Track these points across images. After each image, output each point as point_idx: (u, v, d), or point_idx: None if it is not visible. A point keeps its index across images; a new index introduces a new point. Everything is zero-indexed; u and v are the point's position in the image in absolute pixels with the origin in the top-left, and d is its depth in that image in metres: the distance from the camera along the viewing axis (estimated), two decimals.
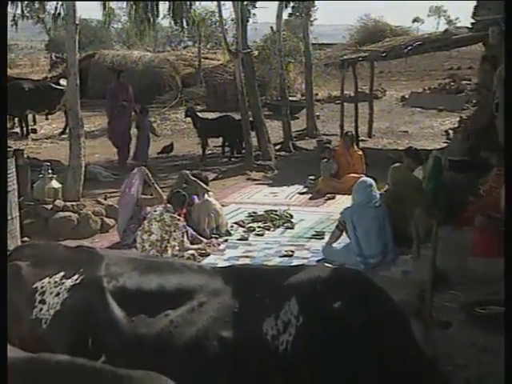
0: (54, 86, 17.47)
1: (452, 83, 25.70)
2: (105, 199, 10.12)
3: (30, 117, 18.22)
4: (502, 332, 5.67)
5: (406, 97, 25.40)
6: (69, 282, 3.42)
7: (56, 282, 3.44)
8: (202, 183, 9.47)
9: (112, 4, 15.69)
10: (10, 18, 15.93)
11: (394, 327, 3.26)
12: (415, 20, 72.05)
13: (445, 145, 14.43)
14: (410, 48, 15.51)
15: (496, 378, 4.87)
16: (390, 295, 3.50)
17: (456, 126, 15.76)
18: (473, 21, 11.64)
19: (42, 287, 3.43)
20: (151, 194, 8.95)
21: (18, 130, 17.66)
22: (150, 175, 9.00)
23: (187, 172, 9.77)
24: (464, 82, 25.67)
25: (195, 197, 9.33)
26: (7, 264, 3.37)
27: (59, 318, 3.32)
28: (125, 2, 16.43)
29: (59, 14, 14.15)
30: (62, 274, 3.47)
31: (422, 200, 8.48)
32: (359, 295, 3.31)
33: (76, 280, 3.42)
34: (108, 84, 14.43)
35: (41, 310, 3.37)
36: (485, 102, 12.90)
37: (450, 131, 15.28)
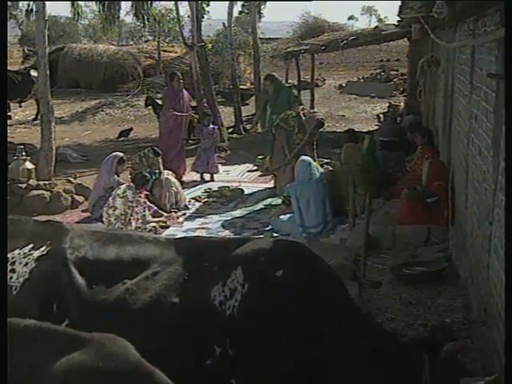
0: (31, 73, 16.78)
1: (382, 73, 25.88)
2: (74, 178, 9.99)
3: None
4: (424, 288, 5.81)
5: (343, 85, 25.47)
6: (36, 253, 3.34)
7: (25, 253, 3.36)
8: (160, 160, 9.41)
9: (80, 2, 15.29)
10: None
11: (329, 289, 3.25)
12: (350, 17, 72.44)
13: (376, 127, 14.54)
14: (345, 42, 15.56)
15: (416, 327, 4.96)
16: (326, 262, 3.49)
17: (386, 110, 15.89)
18: (398, 19, 11.68)
19: (13, 257, 3.34)
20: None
21: None
22: (124, 161, 8.94)
23: (148, 150, 9.64)
24: (392, 72, 25.88)
25: None
26: (7, 261, 3.28)
27: (27, 285, 3.25)
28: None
29: (31, 10, 13.76)
30: (30, 245, 3.39)
31: (361, 176, 8.50)
32: (297, 264, 3.27)
33: (43, 251, 3.34)
34: (163, 90, 12.31)
35: (11, 278, 3.28)
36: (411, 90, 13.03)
37: (381, 115, 15.39)
